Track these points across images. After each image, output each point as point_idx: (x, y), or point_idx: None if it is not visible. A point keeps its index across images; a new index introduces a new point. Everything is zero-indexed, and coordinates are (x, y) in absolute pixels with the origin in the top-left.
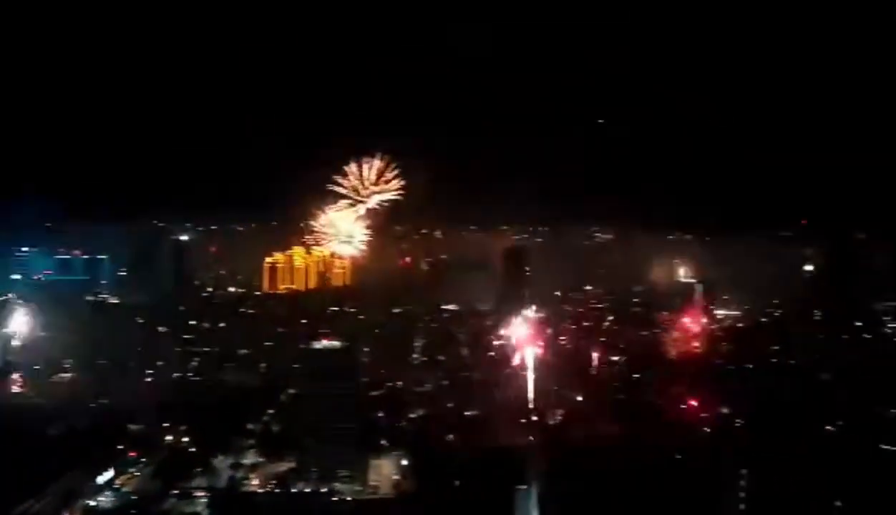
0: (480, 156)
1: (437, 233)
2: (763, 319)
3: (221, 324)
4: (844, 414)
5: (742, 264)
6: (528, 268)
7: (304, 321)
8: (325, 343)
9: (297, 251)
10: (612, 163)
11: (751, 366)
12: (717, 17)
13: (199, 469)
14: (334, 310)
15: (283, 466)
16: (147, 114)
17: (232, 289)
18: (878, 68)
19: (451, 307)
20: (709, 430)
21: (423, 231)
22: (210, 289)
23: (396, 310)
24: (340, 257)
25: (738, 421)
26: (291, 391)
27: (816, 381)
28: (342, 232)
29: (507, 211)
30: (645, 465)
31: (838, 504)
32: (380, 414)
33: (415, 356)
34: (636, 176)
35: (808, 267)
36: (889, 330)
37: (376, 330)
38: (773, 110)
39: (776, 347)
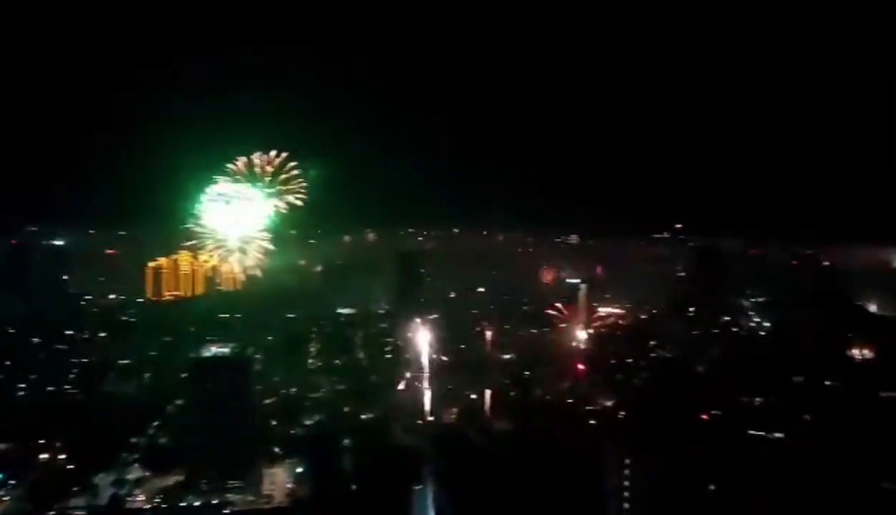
0: (376, 158)
1: (335, 236)
2: (643, 316)
3: (101, 334)
4: (716, 403)
5: (623, 265)
6: (423, 271)
7: (191, 328)
8: (214, 350)
9: (184, 255)
10: (501, 168)
11: (631, 361)
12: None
13: (77, 488)
14: (224, 317)
15: (171, 479)
16: (20, 113)
17: (112, 296)
18: (742, 83)
19: (347, 310)
20: (595, 422)
21: (320, 233)
22: (88, 297)
23: (291, 315)
24: (231, 261)
25: (621, 412)
26: (179, 401)
27: (691, 373)
28: (233, 234)
29: (402, 214)
30: (536, 459)
31: (712, 487)
32: (273, 422)
33: (310, 361)
34: (525, 180)
35: (682, 268)
36: (753, 324)
37: (269, 337)
38: (653, 119)
39: (654, 342)
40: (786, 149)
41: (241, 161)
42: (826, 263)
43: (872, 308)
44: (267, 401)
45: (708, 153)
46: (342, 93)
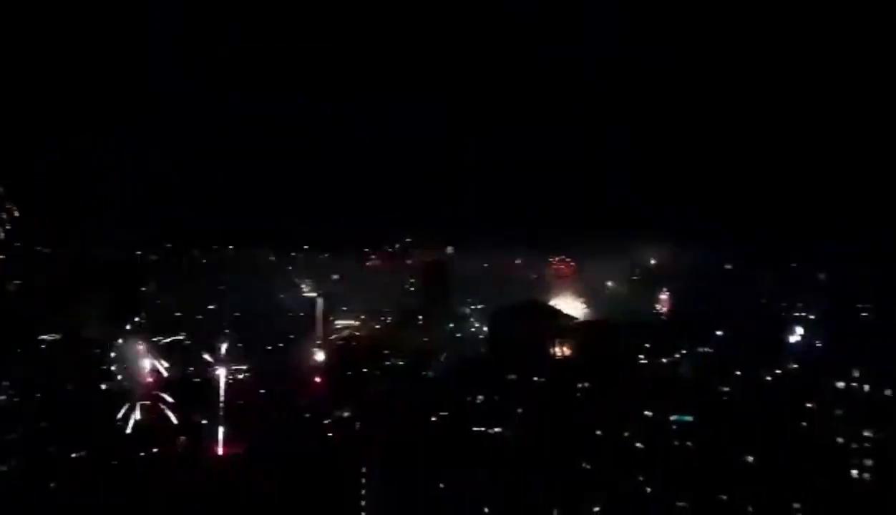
0: (87, 161)
1: (32, 251)
2: (377, 327)
3: None
4: (444, 405)
5: (358, 278)
6: (144, 289)
7: None
8: None
9: None
10: (233, 181)
11: (366, 371)
12: None
13: None
14: None
15: None
16: None
17: None
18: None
19: (49, 336)
20: (332, 435)
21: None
22: None
23: None
24: None
25: (358, 423)
26: None
27: (422, 378)
28: None
29: (119, 224)
30: (273, 479)
31: (441, 486)
32: None
33: (2, 397)
34: (260, 193)
35: (412, 279)
36: (474, 329)
37: None
38: (374, 140)
39: (388, 351)
40: (495, 166)
41: None
42: (534, 275)
43: (567, 311)
44: None
45: (434, 169)
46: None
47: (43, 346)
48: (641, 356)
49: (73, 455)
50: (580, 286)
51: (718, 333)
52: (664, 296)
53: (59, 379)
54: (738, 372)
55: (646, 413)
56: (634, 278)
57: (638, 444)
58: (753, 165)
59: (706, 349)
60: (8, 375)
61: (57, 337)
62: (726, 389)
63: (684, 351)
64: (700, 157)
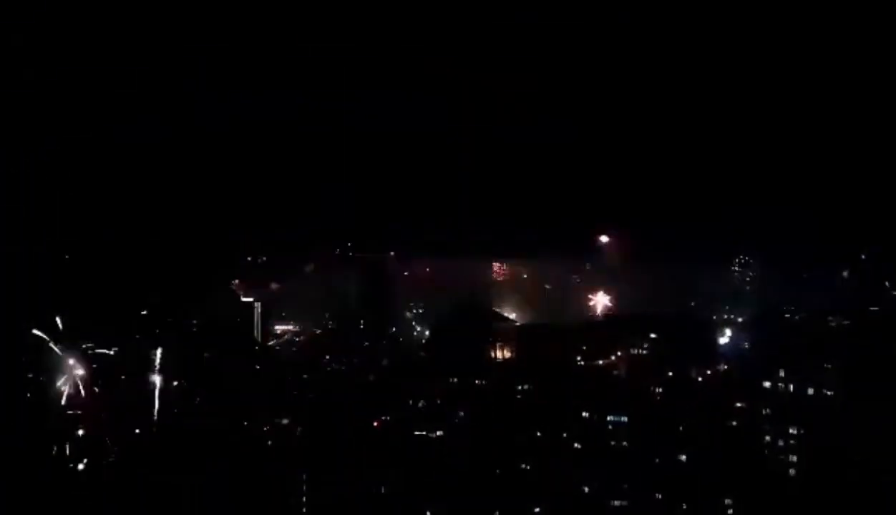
0: None
1: None
2: (318, 331)
3: None
4: (386, 409)
5: (299, 282)
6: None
7: None
8: None
9: None
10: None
11: (307, 376)
12: None
13: None
14: None
15: None
16: None
17: None
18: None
19: None
20: (271, 443)
21: None
22: None
23: None
24: None
25: (299, 429)
26: None
27: (362, 383)
28: None
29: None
30: (211, 488)
31: (383, 489)
32: None
33: None
34: (189, 195)
35: (354, 283)
36: (416, 333)
37: None
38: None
39: (329, 356)
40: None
41: None
42: (475, 279)
43: (507, 314)
44: None
45: (376, 172)
46: None
47: None
48: (579, 358)
49: None
50: (520, 290)
51: (652, 336)
52: (601, 300)
53: None
54: (671, 373)
55: (583, 414)
56: (572, 282)
57: (576, 445)
58: (684, 169)
59: (641, 351)
60: None
61: None
62: (659, 390)
63: (619, 354)
64: (636, 159)
